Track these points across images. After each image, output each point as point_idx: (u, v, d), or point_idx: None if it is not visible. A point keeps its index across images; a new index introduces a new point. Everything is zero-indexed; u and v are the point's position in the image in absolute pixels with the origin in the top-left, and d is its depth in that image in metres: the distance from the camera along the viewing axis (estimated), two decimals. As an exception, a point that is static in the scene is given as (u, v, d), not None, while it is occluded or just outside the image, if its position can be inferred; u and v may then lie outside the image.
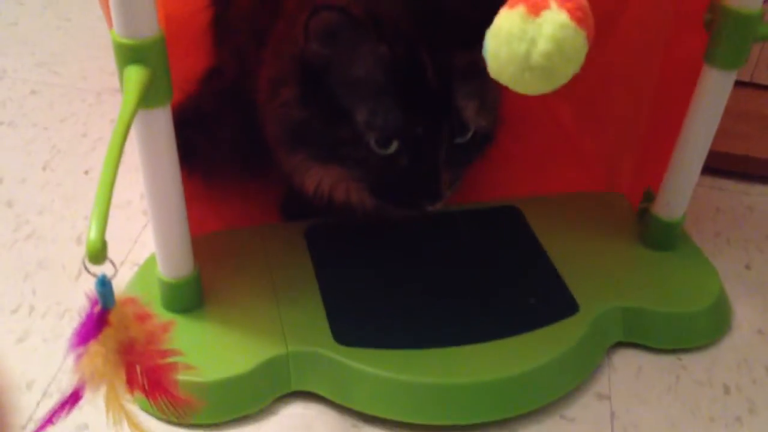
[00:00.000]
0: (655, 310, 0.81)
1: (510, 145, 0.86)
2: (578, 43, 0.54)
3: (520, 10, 0.54)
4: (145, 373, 0.54)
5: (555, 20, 0.53)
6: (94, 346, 0.50)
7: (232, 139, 0.87)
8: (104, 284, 0.49)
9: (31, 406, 0.73)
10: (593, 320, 0.78)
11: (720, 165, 1.02)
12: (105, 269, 0.50)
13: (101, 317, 0.50)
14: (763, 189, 1.05)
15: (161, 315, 0.72)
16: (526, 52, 0.54)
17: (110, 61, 1.16)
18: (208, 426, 0.73)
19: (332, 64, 0.67)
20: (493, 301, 0.80)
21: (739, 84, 1.03)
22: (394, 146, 0.69)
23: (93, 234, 0.47)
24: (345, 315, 0.77)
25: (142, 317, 0.54)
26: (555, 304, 0.79)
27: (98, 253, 0.47)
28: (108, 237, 0.51)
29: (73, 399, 0.53)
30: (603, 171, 0.97)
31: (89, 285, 0.52)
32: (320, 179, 0.75)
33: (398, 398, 0.73)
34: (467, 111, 0.69)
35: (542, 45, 0.53)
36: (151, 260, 0.80)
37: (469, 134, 0.71)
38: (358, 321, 0.77)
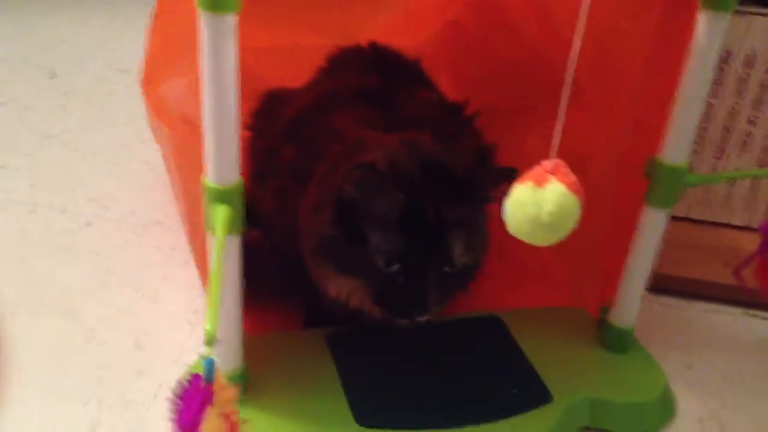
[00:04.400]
0: (614, 401, 0.97)
1: (494, 267, 1.04)
2: (575, 206, 0.70)
3: (529, 183, 0.71)
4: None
5: (556, 189, 0.69)
6: (210, 411, 0.64)
7: (269, 263, 1.05)
8: (212, 363, 0.66)
9: None
10: (565, 408, 0.94)
11: (665, 285, 1.22)
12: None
13: (208, 389, 0.65)
14: (700, 305, 1.23)
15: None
16: (537, 214, 0.69)
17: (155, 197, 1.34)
18: None
19: (360, 201, 0.87)
20: (483, 391, 0.96)
21: (679, 219, 1.26)
22: (395, 267, 0.88)
23: (209, 325, 0.65)
24: (363, 402, 0.93)
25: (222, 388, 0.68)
26: (533, 394, 0.96)
27: (213, 339, 0.65)
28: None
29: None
30: (570, 291, 1.16)
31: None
32: (340, 287, 0.92)
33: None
34: (454, 249, 0.88)
35: (548, 207, 0.69)
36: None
37: (456, 266, 0.90)
38: (375, 406, 0.93)
